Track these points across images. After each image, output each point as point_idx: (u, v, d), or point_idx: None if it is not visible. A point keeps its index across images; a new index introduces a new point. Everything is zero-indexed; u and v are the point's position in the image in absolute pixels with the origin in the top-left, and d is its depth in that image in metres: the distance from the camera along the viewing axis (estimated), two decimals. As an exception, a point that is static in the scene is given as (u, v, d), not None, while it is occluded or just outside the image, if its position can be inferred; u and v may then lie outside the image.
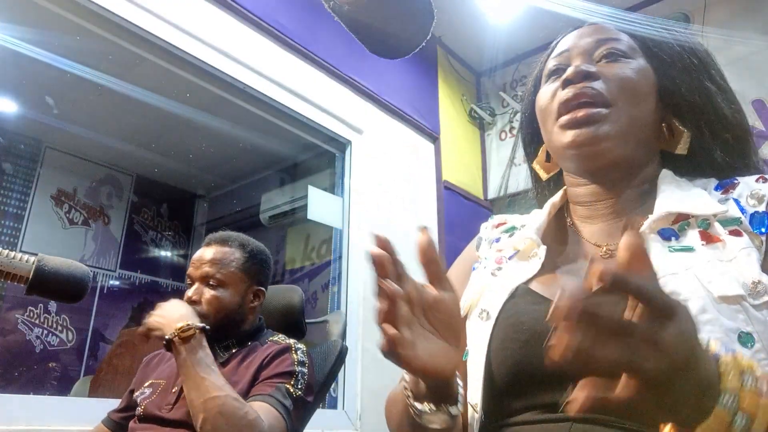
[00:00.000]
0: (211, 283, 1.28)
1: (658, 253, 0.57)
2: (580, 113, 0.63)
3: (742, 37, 2.39)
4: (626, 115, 0.63)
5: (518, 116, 3.27)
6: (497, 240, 0.75)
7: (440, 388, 0.54)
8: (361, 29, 0.60)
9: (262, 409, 1.09)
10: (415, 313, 0.50)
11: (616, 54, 0.67)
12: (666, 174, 0.66)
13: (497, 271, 0.68)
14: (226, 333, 1.27)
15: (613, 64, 0.66)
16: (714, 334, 0.49)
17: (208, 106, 2.97)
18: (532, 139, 0.79)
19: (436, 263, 0.51)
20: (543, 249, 0.66)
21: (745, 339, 0.49)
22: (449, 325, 0.51)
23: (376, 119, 2.62)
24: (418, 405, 0.55)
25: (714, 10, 2.54)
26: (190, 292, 1.27)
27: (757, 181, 0.62)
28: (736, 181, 0.63)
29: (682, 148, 0.66)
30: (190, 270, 1.30)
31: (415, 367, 0.48)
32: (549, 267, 0.65)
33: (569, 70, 0.65)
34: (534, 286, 0.63)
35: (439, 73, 3.13)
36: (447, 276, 0.53)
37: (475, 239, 0.80)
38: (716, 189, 0.64)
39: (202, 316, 1.23)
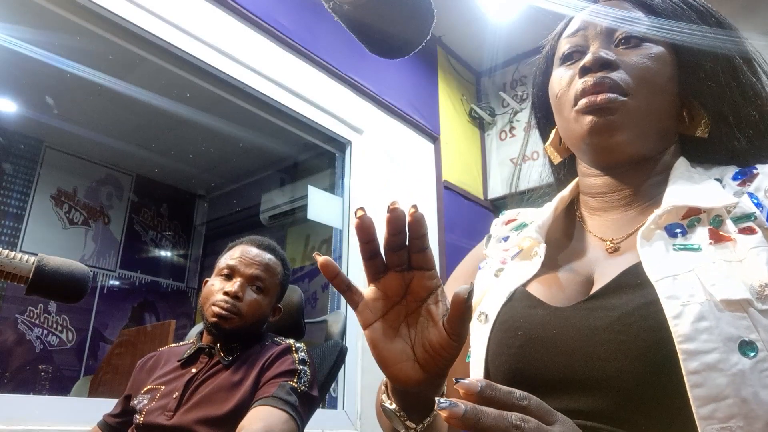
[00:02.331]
0: (257, 286, 1.27)
1: (661, 251, 0.53)
2: (600, 97, 0.60)
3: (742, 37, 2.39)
4: (645, 107, 0.60)
5: (518, 116, 3.23)
6: (506, 238, 0.73)
7: (406, 396, 0.52)
8: (361, 29, 0.60)
9: (264, 412, 1.09)
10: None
11: (635, 38, 0.63)
12: (680, 164, 0.62)
13: (499, 271, 0.66)
14: (239, 338, 1.26)
15: (632, 51, 0.62)
16: (709, 344, 0.45)
17: (208, 106, 2.98)
18: (545, 120, 0.76)
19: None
20: (543, 247, 0.64)
21: (746, 348, 0.45)
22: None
23: (376, 119, 2.62)
24: (386, 401, 0.53)
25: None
26: (234, 287, 1.24)
27: None
28: (755, 171, 0.58)
29: (702, 132, 0.63)
30: (236, 264, 1.27)
31: (374, 355, 0.48)
32: (550, 266, 0.63)
33: (587, 57, 0.62)
34: (532, 287, 0.61)
35: (439, 73, 3.13)
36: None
37: (486, 237, 0.77)
38: (734, 178, 0.59)
39: (238, 315, 1.22)
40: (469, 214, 3.04)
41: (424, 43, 0.62)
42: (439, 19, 0.61)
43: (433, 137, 2.95)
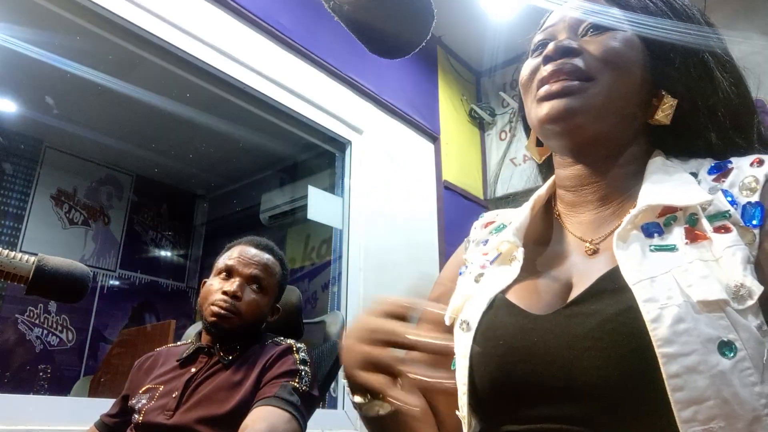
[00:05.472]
0: (256, 286, 1.28)
1: (638, 252, 0.53)
2: (555, 86, 0.61)
3: (742, 37, 2.39)
4: (607, 88, 0.60)
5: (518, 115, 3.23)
6: (485, 242, 0.72)
7: None
8: (361, 29, 0.60)
9: (266, 412, 1.09)
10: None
11: (601, 26, 0.63)
12: (656, 159, 0.62)
13: (479, 276, 0.66)
14: (238, 338, 1.26)
15: (597, 37, 0.63)
16: (688, 346, 0.45)
17: (208, 106, 2.98)
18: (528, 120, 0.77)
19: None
20: (521, 251, 0.63)
21: (725, 348, 0.45)
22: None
23: (376, 119, 2.62)
24: (356, 398, 0.52)
25: (714, 10, 2.53)
26: (233, 287, 1.24)
27: (751, 165, 0.56)
28: (730, 166, 0.58)
29: (664, 117, 0.62)
30: (234, 264, 1.28)
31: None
32: (529, 270, 0.62)
33: (549, 46, 0.62)
34: (512, 294, 0.61)
35: (439, 73, 3.13)
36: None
37: (465, 241, 0.77)
38: (710, 172, 0.59)
39: (237, 314, 1.23)
40: (469, 215, 3.03)
41: (424, 43, 0.62)
42: (439, 19, 0.61)
43: (433, 137, 2.95)
